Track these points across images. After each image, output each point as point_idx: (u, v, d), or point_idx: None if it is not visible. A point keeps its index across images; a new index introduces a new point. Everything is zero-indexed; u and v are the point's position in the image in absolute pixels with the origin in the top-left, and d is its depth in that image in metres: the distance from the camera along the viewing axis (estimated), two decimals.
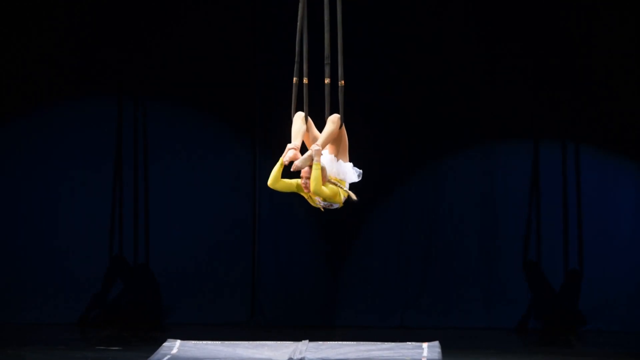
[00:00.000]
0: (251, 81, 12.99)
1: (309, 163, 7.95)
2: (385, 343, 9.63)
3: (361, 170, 8.39)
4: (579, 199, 12.83)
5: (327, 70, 8.34)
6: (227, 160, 13.09)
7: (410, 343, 9.50)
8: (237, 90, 13.00)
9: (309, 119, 8.21)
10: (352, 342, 9.69)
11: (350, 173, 8.31)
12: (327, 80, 8.35)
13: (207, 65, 12.96)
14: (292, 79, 8.35)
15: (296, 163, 7.95)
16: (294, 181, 8.10)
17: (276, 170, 8.00)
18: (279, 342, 9.63)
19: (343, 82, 8.28)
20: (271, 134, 12.82)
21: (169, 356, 8.64)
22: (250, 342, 9.65)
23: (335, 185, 8.07)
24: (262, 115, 12.97)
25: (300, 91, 8.38)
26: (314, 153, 7.95)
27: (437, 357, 8.63)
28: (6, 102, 12.92)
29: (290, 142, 8.13)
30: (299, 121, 8.17)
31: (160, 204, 13.02)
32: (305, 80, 8.31)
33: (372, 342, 9.68)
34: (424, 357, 8.67)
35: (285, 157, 7.97)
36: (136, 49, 12.91)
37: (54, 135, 12.95)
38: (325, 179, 8.02)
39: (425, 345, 9.29)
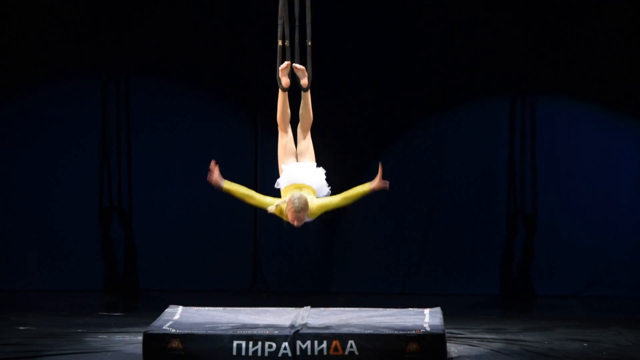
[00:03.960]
0: (254, 53, 12.93)
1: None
2: (387, 309, 9.65)
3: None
4: (577, 158, 12.83)
5: (308, 31, 8.53)
6: (230, 132, 13.07)
7: (412, 309, 9.51)
8: (239, 63, 12.95)
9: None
10: (354, 308, 9.69)
11: (325, 186, 8.61)
12: (309, 43, 8.55)
13: (209, 38, 12.89)
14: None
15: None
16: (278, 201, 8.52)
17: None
18: (280, 308, 9.64)
19: (310, 42, 8.49)
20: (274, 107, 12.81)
21: (171, 322, 8.65)
22: (252, 308, 9.67)
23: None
24: (264, 88, 12.90)
25: (284, 54, 8.60)
26: None
27: (438, 323, 8.63)
28: None
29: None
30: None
31: (160, 174, 13.02)
32: (287, 43, 8.52)
33: (374, 308, 9.69)
34: (425, 322, 8.67)
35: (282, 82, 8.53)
36: (134, 22, 12.86)
37: (51, 111, 12.93)
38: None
39: (427, 311, 9.30)
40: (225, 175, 12.78)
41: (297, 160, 8.74)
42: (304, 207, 8.27)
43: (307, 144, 8.71)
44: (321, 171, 8.64)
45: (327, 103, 12.63)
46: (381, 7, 12.85)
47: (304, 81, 8.61)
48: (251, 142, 12.99)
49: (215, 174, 8.40)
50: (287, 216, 8.37)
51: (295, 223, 8.33)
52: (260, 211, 12.88)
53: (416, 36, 12.85)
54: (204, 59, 12.92)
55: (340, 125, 12.82)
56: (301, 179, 8.52)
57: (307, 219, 8.46)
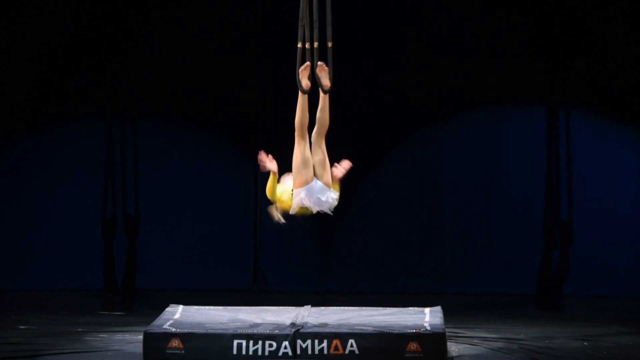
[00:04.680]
0: (253, 91, 13.01)
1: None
2: (387, 308, 9.64)
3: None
4: (579, 164, 12.84)
5: (328, 32, 8.49)
6: (229, 172, 13.13)
7: (412, 308, 9.51)
8: (239, 103, 13.02)
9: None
10: (354, 308, 9.69)
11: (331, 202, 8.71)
12: (330, 44, 8.51)
13: (209, 78, 12.95)
14: (293, 85, 8.52)
15: None
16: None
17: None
18: (281, 307, 9.64)
19: (331, 43, 8.45)
20: (274, 147, 12.82)
21: (171, 321, 8.65)
22: (253, 308, 9.66)
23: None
24: (264, 129, 12.95)
25: (304, 56, 8.49)
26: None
27: (439, 323, 8.63)
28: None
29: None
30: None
31: (164, 182, 13.08)
32: (307, 45, 8.47)
33: (374, 308, 9.69)
34: (426, 322, 8.67)
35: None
36: (136, 65, 12.91)
37: (62, 149, 13.04)
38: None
39: (427, 310, 9.30)
40: (225, 212, 12.95)
41: (315, 175, 8.68)
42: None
43: (323, 154, 8.62)
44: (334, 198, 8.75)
45: (330, 109, 12.65)
46: (386, 15, 12.86)
47: (326, 82, 8.57)
48: (250, 181, 13.02)
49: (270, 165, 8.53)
50: (284, 206, 8.58)
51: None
52: (261, 211, 13.05)
53: (420, 44, 12.87)
54: (205, 100, 13.00)
55: (342, 130, 12.82)
56: (315, 209, 8.61)
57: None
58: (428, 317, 9.00)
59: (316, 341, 8.15)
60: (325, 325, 8.61)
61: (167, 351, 8.16)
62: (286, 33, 12.86)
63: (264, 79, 12.99)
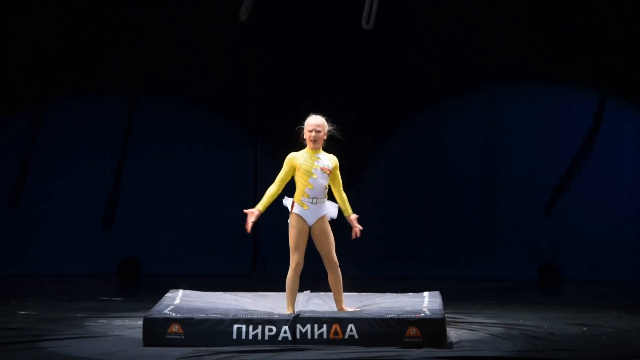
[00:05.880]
0: (253, 74, 13.01)
1: None
2: (387, 294, 9.66)
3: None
4: (581, 145, 12.84)
5: None
6: (229, 152, 13.18)
7: (411, 294, 9.53)
8: (238, 85, 13.02)
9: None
10: (354, 293, 9.70)
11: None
12: None
13: (208, 60, 12.96)
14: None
15: None
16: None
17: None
18: (280, 292, 9.64)
19: None
20: (272, 128, 12.83)
21: (171, 306, 8.65)
22: (253, 293, 9.68)
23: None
24: (264, 112, 12.97)
25: None
26: None
27: (438, 308, 8.64)
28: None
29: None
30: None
31: (163, 169, 13.10)
32: None
33: (374, 293, 9.70)
34: (425, 307, 8.68)
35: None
36: (138, 45, 12.90)
37: (65, 127, 13.02)
38: None
39: (426, 295, 9.31)
40: (225, 198, 12.96)
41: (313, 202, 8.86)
42: (321, 123, 8.69)
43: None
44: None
45: (329, 91, 12.66)
46: None
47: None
48: (250, 160, 13.03)
49: (251, 220, 9.03)
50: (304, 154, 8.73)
51: (313, 137, 8.66)
52: (261, 197, 13.05)
53: (416, 27, 12.85)
54: (204, 81, 12.99)
55: (343, 111, 12.82)
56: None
57: (325, 177, 8.79)
58: (427, 302, 9.01)
59: (316, 326, 8.16)
60: (324, 310, 8.61)
61: (167, 336, 8.16)
62: (286, 15, 12.95)
63: (263, 61, 12.98)
